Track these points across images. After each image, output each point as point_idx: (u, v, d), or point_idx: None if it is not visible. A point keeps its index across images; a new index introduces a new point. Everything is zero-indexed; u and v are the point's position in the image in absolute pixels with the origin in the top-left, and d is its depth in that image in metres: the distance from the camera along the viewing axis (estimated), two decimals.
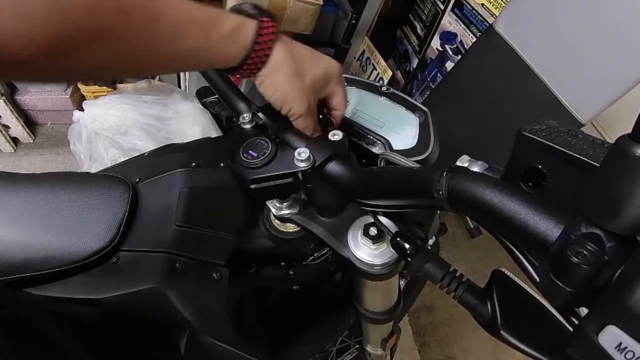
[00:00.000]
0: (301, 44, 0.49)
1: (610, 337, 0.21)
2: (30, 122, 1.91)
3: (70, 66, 0.33)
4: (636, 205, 0.22)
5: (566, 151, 0.28)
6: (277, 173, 0.44)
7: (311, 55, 0.48)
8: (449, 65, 1.48)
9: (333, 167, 0.45)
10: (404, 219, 0.49)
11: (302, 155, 0.43)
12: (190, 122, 1.43)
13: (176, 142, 0.80)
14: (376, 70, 1.83)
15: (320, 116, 0.52)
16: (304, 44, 0.49)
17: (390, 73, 1.76)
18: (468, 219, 1.43)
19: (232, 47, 0.41)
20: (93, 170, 1.36)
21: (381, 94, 0.58)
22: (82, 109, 1.42)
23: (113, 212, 0.58)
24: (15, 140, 1.83)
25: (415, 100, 0.58)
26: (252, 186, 0.45)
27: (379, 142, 0.52)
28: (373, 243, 0.47)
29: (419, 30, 1.66)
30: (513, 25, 1.14)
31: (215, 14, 0.40)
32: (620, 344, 0.21)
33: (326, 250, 0.59)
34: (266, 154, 0.45)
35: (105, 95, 1.46)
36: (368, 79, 0.69)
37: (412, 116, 0.55)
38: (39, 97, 1.83)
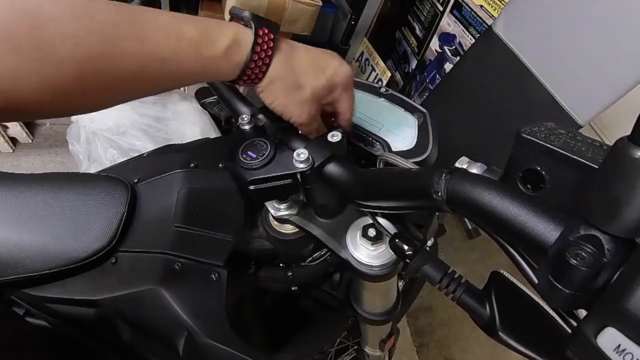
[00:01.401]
0: (306, 49, 0.47)
1: (609, 339, 0.21)
2: (28, 122, 1.90)
3: (70, 105, 0.35)
4: (635, 208, 0.22)
5: (565, 153, 0.28)
6: (276, 174, 0.44)
7: (314, 64, 0.46)
8: (448, 66, 1.48)
9: (332, 168, 0.45)
10: (403, 220, 0.49)
11: (301, 157, 0.43)
12: (189, 123, 1.43)
13: (175, 143, 0.80)
14: (375, 71, 1.84)
15: (330, 121, 0.52)
16: (310, 47, 0.47)
17: (389, 74, 1.76)
18: (466, 220, 1.43)
19: (227, 64, 0.40)
20: (92, 171, 1.36)
21: (380, 95, 0.58)
22: None
23: (112, 212, 0.58)
24: (13, 140, 1.83)
25: (414, 101, 0.58)
26: (251, 187, 0.45)
27: (377, 143, 0.52)
28: (372, 244, 0.47)
29: (417, 32, 1.67)
30: (512, 26, 1.14)
31: (208, 30, 0.38)
32: (619, 346, 0.21)
33: (325, 252, 0.59)
34: (265, 155, 0.45)
35: None
36: (367, 80, 0.69)
37: (411, 117, 0.55)
38: None
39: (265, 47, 0.41)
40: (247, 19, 0.42)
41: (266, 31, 0.41)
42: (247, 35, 0.40)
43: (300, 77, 0.45)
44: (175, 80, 0.39)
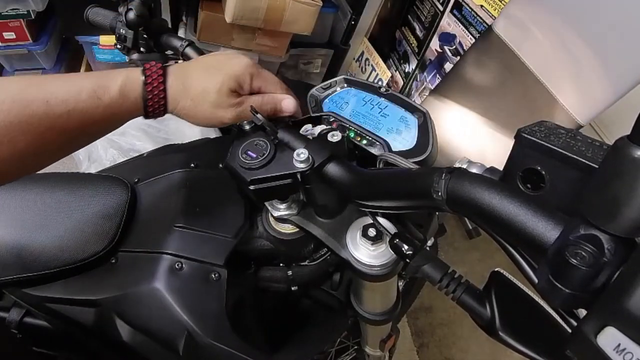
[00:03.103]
0: (197, 60, 0.51)
1: (609, 338, 0.21)
2: None
3: None
4: (635, 207, 0.22)
5: (565, 153, 0.28)
6: (276, 174, 0.44)
7: (207, 69, 0.49)
8: (448, 66, 1.48)
9: (332, 168, 0.44)
10: (403, 220, 0.49)
11: (301, 156, 0.43)
12: (189, 123, 1.43)
13: (175, 143, 0.80)
14: (375, 71, 1.84)
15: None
16: (203, 56, 0.51)
17: (389, 74, 1.76)
18: (467, 220, 1.43)
19: (128, 101, 0.44)
20: (92, 171, 1.36)
21: (380, 95, 0.58)
22: None
23: (112, 212, 0.58)
24: None
25: (414, 101, 0.58)
26: (251, 187, 0.45)
27: (377, 143, 0.52)
28: (372, 244, 0.46)
29: (418, 32, 1.66)
30: (512, 26, 1.14)
31: (101, 79, 0.43)
32: (619, 345, 0.21)
33: (325, 251, 0.59)
34: (265, 155, 0.45)
35: None
36: (367, 80, 0.69)
37: (411, 117, 0.55)
38: None
39: (154, 75, 0.45)
40: (135, 60, 0.47)
41: (153, 63, 0.46)
42: (136, 72, 0.45)
43: (200, 83, 0.47)
44: (88, 130, 0.43)
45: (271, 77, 0.52)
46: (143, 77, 0.44)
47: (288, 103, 0.52)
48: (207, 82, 0.47)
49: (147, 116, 0.46)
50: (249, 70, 0.49)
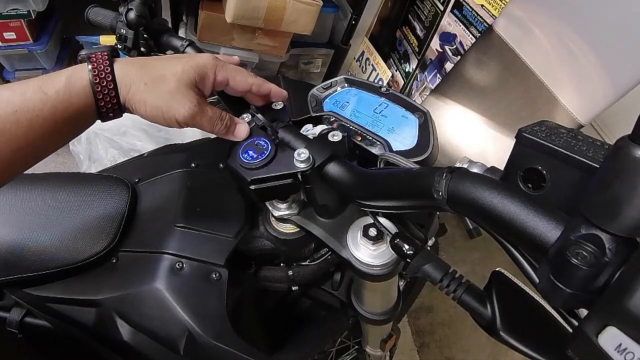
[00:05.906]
0: (155, 56, 0.48)
1: (610, 338, 0.21)
2: None
3: None
4: (636, 207, 0.22)
5: (566, 152, 0.28)
6: (276, 174, 0.44)
7: (166, 58, 0.46)
8: (448, 66, 1.48)
9: (332, 168, 0.44)
10: (404, 219, 0.49)
11: (301, 156, 0.43)
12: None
13: (175, 143, 0.80)
14: (375, 71, 1.84)
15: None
16: None
17: (390, 74, 1.76)
18: (467, 219, 1.43)
19: (75, 90, 0.41)
20: (92, 171, 1.36)
21: (381, 94, 0.58)
22: None
23: (112, 212, 0.58)
24: None
25: (415, 101, 0.58)
26: (252, 187, 0.45)
27: (378, 142, 0.52)
28: (372, 244, 0.46)
29: (418, 31, 1.66)
30: (512, 26, 1.14)
31: (48, 76, 0.41)
32: (620, 345, 0.21)
33: (325, 251, 0.59)
34: (266, 155, 0.45)
35: None
36: (367, 79, 0.69)
37: (411, 117, 0.55)
38: None
39: (99, 60, 0.42)
40: (82, 56, 0.44)
41: (99, 53, 0.43)
42: (82, 65, 0.42)
43: (158, 68, 0.44)
44: (40, 133, 0.40)
45: (239, 69, 0.49)
46: (90, 66, 0.42)
47: (260, 84, 0.50)
48: (166, 67, 0.44)
49: (99, 110, 0.43)
50: (213, 62, 0.46)
